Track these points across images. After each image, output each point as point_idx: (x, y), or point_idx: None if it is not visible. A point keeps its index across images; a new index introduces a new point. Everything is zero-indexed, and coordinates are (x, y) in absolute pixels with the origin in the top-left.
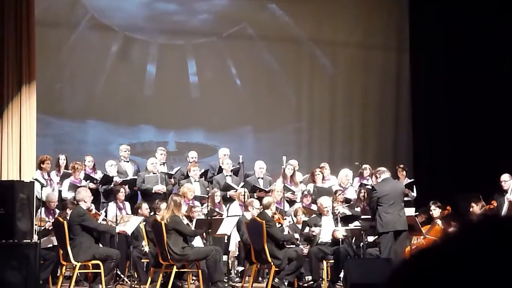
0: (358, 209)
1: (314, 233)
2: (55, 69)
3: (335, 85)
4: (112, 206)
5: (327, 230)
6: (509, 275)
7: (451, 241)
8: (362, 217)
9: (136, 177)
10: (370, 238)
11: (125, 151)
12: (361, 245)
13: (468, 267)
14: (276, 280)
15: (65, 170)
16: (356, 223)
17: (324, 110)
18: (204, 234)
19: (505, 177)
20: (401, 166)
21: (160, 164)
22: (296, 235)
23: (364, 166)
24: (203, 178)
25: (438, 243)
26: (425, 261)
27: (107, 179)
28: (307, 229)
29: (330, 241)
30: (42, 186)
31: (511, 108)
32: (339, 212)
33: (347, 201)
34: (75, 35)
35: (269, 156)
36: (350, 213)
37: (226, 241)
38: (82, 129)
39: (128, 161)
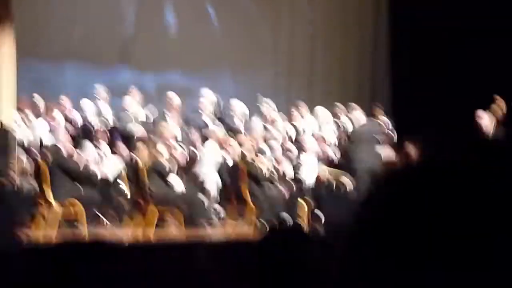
0: (336, 149)
1: (299, 172)
2: (33, 11)
3: (314, 27)
4: (90, 147)
5: (306, 170)
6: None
7: (429, 160)
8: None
9: (114, 118)
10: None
11: (103, 93)
12: (340, 186)
13: (449, 181)
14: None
15: (43, 112)
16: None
17: (304, 53)
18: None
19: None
20: (379, 105)
21: (138, 106)
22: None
23: (337, 105)
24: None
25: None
26: (402, 179)
27: (85, 122)
28: (287, 169)
29: (310, 180)
30: (21, 128)
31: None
32: (316, 151)
33: (325, 141)
34: None
35: (246, 97)
36: (329, 153)
37: (204, 181)
38: (60, 71)
39: (106, 103)
